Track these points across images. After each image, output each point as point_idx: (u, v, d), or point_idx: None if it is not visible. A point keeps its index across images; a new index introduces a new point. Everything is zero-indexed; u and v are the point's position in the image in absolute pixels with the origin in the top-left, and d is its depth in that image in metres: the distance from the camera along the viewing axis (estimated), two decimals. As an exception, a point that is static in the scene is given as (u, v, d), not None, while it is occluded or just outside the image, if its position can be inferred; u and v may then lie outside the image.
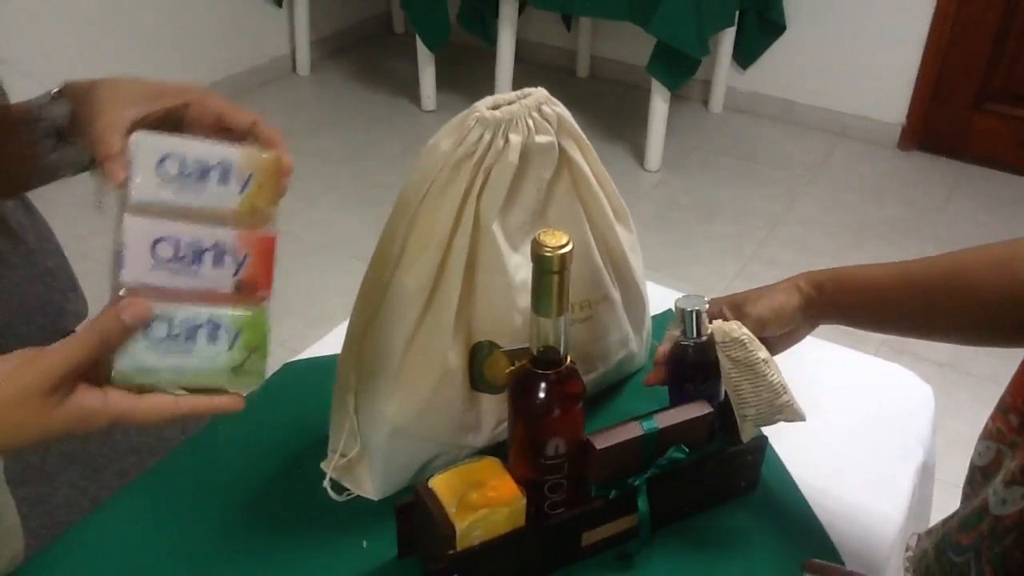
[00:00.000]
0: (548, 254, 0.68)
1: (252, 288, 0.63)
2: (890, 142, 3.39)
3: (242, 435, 0.99)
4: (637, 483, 0.82)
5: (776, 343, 0.89)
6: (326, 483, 0.90)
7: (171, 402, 0.63)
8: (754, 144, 3.43)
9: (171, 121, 0.71)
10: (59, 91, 0.80)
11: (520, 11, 3.20)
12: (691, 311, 0.84)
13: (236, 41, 3.56)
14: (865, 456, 0.99)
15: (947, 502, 0.84)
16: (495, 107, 0.81)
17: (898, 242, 2.85)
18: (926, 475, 1.02)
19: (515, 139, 0.81)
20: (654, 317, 1.06)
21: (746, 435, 0.85)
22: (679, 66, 2.90)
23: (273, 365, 1.09)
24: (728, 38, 3.42)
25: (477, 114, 0.80)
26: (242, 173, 0.62)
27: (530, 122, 0.82)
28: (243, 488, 0.92)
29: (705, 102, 3.65)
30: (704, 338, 0.84)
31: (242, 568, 0.84)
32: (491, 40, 3.26)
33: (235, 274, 0.62)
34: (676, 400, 0.87)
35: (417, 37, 3.36)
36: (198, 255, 0.60)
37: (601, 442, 0.79)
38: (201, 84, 0.74)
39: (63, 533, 0.88)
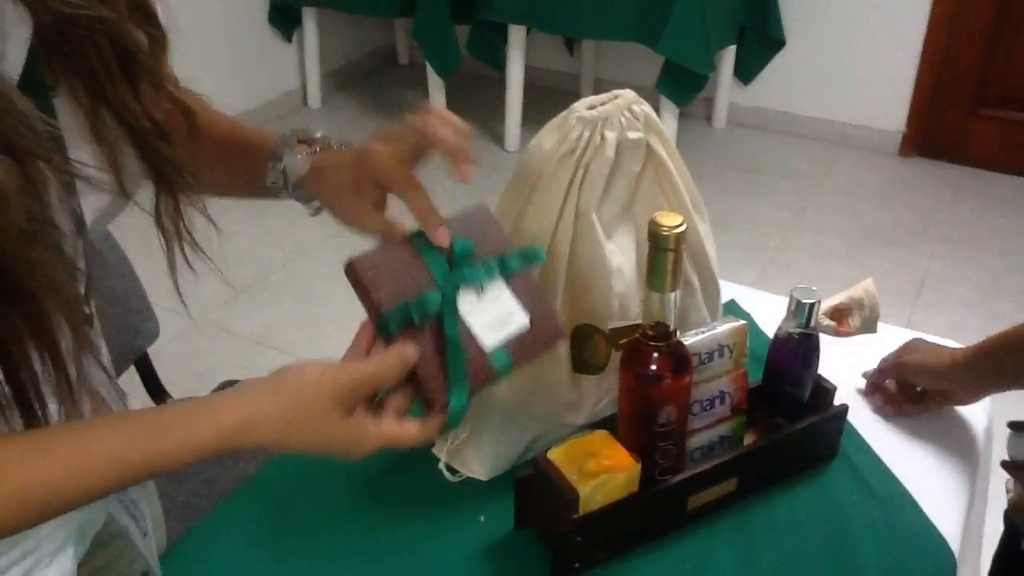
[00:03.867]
0: (665, 233, 0.75)
1: None
2: (891, 150, 3.49)
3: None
4: None
5: (934, 399, 1.05)
6: (441, 466, 0.96)
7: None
8: (759, 157, 3.52)
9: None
10: (311, 150, 0.85)
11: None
12: (807, 303, 0.89)
13: (249, 76, 3.64)
14: (929, 419, 1.06)
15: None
16: (591, 107, 0.89)
17: (909, 244, 2.93)
18: (988, 435, 1.09)
19: (610, 136, 0.88)
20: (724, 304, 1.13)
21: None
22: (687, 83, 3.00)
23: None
24: (729, 55, 3.52)
25: (576, 114, 0.88)
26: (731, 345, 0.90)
27: (623, 120, 0.89)
28: (356, 480, 0.97)
29: (708, 118, 3.75)
30: (811, 329, 0.91)
31: (369, 548, 0.89)
32: (500, 65, 3.36)
33: None
34: (772, 381, 0.94)
35: (427, 66, 3.44)
36: None
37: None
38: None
39: (192, 528, 0.93)
